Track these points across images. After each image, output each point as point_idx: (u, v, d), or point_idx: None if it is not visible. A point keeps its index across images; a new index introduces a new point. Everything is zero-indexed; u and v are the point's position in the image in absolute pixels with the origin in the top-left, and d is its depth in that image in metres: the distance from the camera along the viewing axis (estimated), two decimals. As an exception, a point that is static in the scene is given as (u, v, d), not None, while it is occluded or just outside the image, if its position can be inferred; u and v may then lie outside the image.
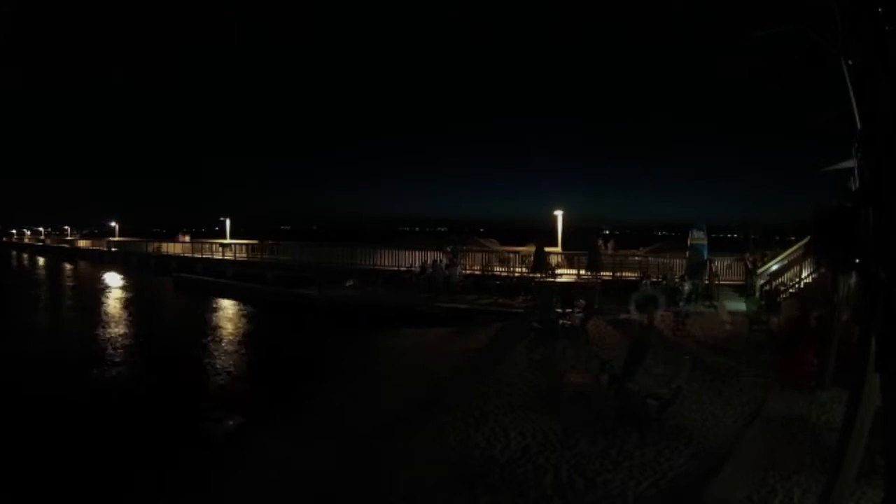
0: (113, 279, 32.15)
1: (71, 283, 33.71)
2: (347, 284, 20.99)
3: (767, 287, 13.98)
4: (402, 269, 21.13)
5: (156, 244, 39.24)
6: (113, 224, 56.79)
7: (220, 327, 17.01)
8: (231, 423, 8.18)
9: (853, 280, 6.93)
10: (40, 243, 70.85)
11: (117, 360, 13.04)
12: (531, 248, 20.48)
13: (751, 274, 14.98)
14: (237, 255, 29.94)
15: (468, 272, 19.83)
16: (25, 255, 60.49)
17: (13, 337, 15.95)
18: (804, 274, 13.76)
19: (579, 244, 20.98)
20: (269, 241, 31.85)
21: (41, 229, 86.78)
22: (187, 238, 39.41)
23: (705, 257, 16.15)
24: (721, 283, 16.33)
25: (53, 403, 9.43)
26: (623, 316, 13.05)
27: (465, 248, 22.14)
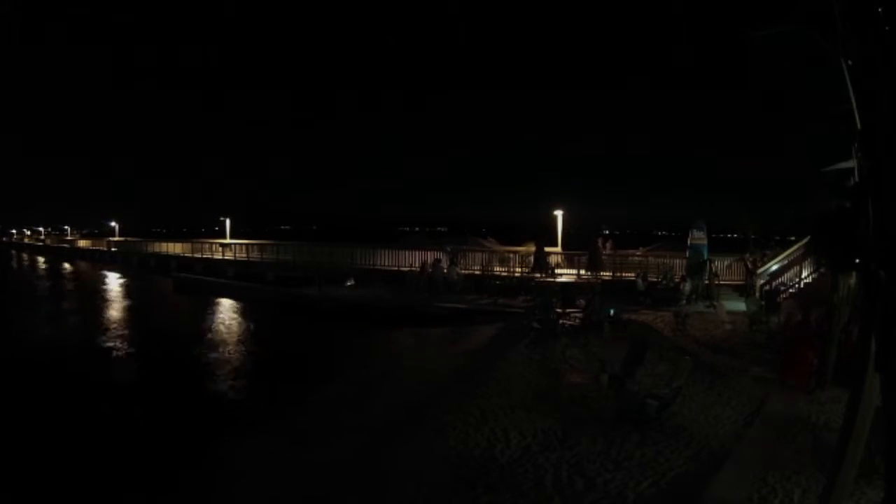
0: (113, 279, 32.16)
1: (71, 284, 33.69)
2: (347, 284, 21.01)
3: (767, 287, 14.00)
4: (403, 269, 21.15)
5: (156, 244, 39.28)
6: (113, 224, 56.89)
7: (220, 327, 16.99)
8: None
9: (853, 280, 6.94)
10: (40, 243, 70.82)
11: (117, 360, 13.04)
12: (531, 248, 20.49)
13: (751, 274, 14.98)
14: (237, 255, 29.98)
15: (468, 272, 19.83)
16: (25, 255, 60.48)
17: (13, 337, 15.96)
18: (804, 274, 13.78)
19: (579, 244, 20.99)
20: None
21: (41, 229, 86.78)
22: None
23: (705, 257, 16.16)
24: (721, 283, 16.33)
25: (49, 406, 9.44)
26: (624, 315, 13.05)
27: (465, 248, 22.16)
